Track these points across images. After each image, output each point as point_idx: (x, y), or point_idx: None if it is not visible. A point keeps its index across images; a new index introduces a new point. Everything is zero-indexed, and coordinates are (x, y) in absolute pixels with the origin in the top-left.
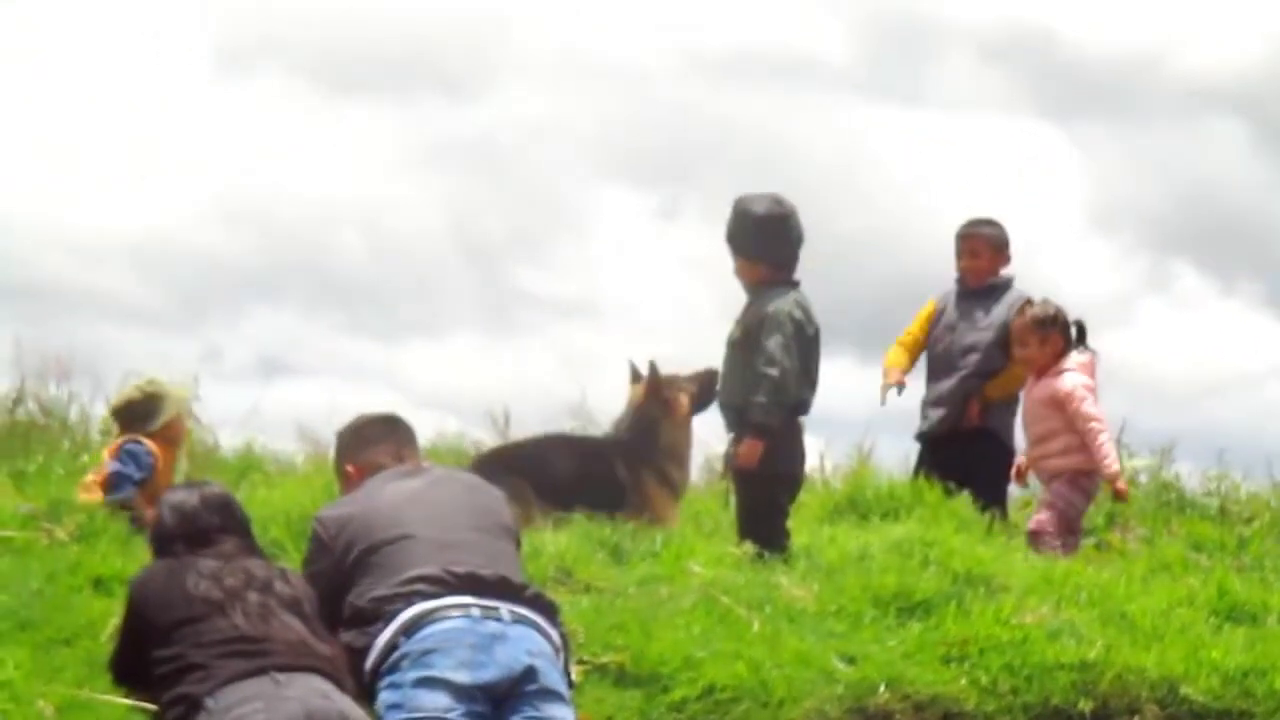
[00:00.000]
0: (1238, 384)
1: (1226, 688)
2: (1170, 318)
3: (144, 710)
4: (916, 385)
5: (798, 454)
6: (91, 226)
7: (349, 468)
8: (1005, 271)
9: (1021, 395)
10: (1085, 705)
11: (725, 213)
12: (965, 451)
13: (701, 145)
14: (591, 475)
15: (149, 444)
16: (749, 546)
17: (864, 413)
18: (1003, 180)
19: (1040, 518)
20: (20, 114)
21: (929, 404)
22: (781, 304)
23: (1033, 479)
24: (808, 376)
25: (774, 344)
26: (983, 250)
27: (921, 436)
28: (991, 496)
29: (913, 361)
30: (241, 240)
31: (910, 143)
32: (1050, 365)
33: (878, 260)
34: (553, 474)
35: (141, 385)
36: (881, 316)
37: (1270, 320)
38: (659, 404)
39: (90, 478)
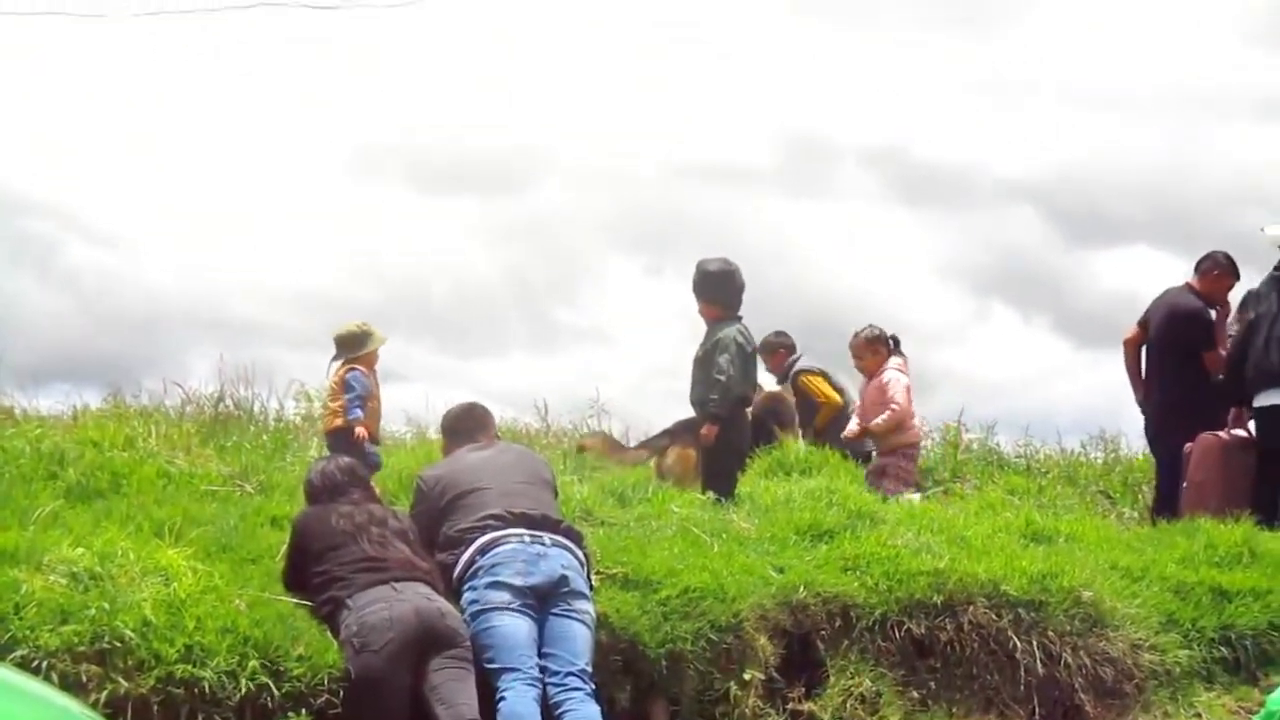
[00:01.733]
0: (1035, 382)
1: (1031, 586)
2: (990, 340)
3: (305, 606)
4: None
5: (744, 434)
6: (268, 280)
7: (444, 443)
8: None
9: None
10: (937, 599)
11: (691, 271)
12: None
13: (676, 225)
14: None
15: (361, 369)
16: (710, 495)
17: None
18: (876, 248)
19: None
20: (215, 195)
21: None
22: (729, 332)
23: None
24: (748, 380)
25: (724, 360)
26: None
27: None
28: None
29: None
30: (367, 289)
31: (815, 225)
32: (878, 369)
33: (795, 304)
34: None
35: (358, 323)
36: (799, 338)
37: (1056, 340)
38: None
39: (333, 405)
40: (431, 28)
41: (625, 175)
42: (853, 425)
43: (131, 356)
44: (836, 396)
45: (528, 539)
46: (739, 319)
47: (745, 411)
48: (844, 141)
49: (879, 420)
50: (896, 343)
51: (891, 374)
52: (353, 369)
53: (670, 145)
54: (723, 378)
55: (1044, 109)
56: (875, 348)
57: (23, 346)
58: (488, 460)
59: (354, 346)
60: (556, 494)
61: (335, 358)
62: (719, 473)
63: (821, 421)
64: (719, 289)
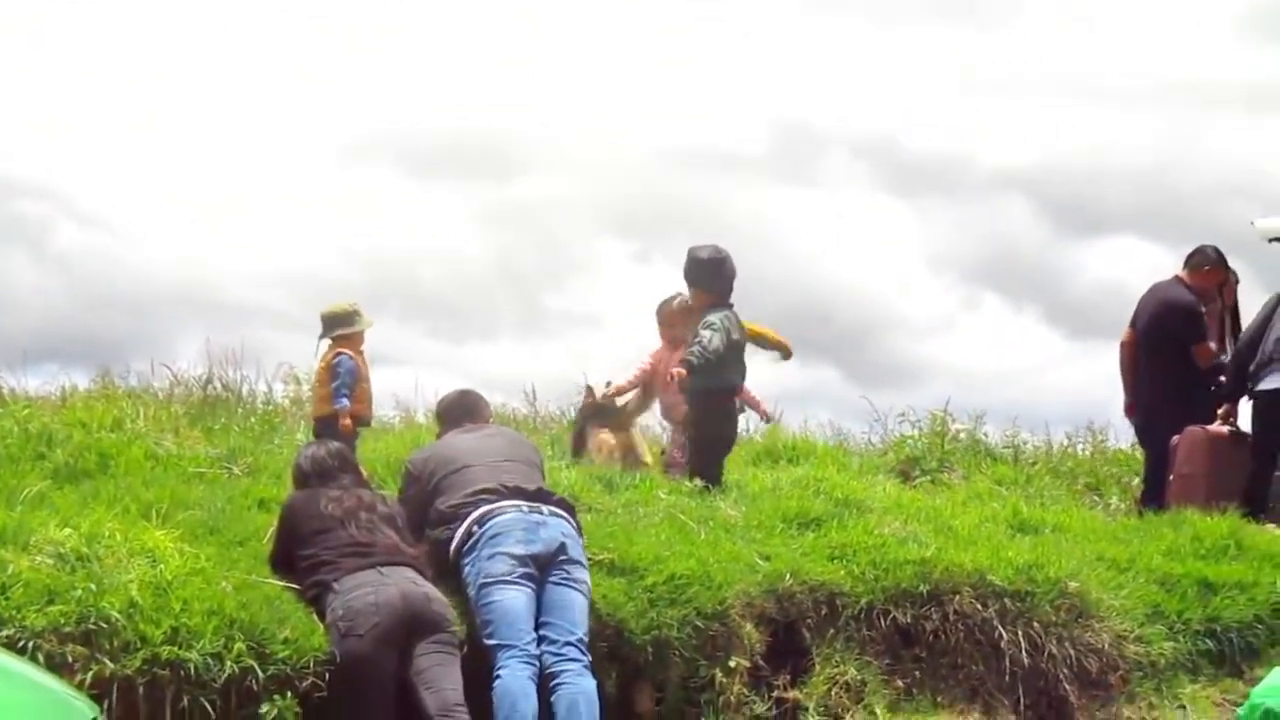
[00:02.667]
0: (1025, 373)
1: (1017, 575)
2: (980, 330)
3: (292, 589)
4: None
5: (731, 423)
6: (258, 263)
7: (439, 426)
8: None
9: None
10: (924, 588)
11: (681, 258)
12: None
13: (665, 212)
14: None
15: (349, 353)
16: (698, 482)
17: (778, 392)
18: (866, 237)
19: (674, 453)
20: (207, 177)
21: None
22: (715, 316)
23: None
24: (736, 367)
25: (706, 332)
26: None
27: None
28: None
29: None
30: (357, 273)
31: (805, 213)
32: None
33: (786, 290)
34: None
35: (347, 302)
36: (786, 330)
37: (1046, 331)
38: None
39: (320, 391)
40: (423, 12)
41: (615, 161)
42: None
43: (121, 338)
44: None
45: (526, 508)
46: (729, 306)
47: (733, 400)
48: (834, 130)
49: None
50: None
51: None
52: (340, 353)
53: (661, 131)
54: (704, 336)
55: (1034, 100)
56: (688, 319)
57: (12, 326)
58: (476, 441)
59: (343, 324)
60: (544, 475)
61: (322, 336)
62: (708, 461)
63: None
64: (710, 276)
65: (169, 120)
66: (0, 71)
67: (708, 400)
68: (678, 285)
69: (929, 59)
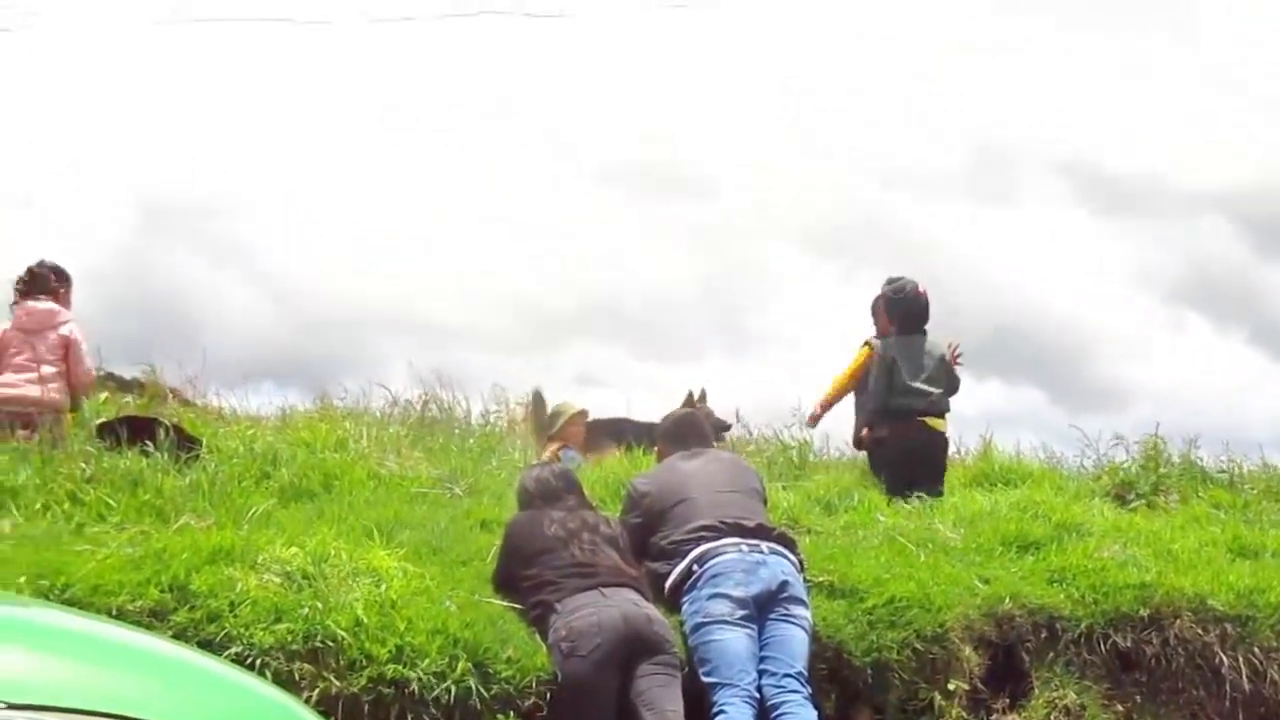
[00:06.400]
0: (1231, 395)
1: (1238, 600)
2: (1184, 351)
3: (515, 609)
4: None
5: (900, 441)
6: (464, 282)
7: (658, 448)
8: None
9: None
10: (1143, 612)
11: (883, 278)
12: None
13: (868, 232)
14: None
15: (570, 445)
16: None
17: (983, 412)
18: (1066, 257)
19: None
20: (414, 199)
21: None
22: (877, 350)
23: None
24: (892, 391)
25: (870, 377)
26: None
27: None
28: None
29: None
30: (562, 296)
31: (1003, 233)
32: None
33: (987, 309)
34: None
35: (560, 403)
36: (990, 347)
37: (1253, 353)
38: None
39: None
40: (636, 37)
41: (818, 182)
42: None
43: (330, 358)
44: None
45: (745, 548)
46: (905, 333)
47: (903, 421)
48: (1032, 150)
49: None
50: None
51: None
52: (566, 447)
53: (863, 151)
54: (870, 389)
55: (1234, 118)
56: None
57: (226, 346)
58: (698, 469)
59: (549, 426)
60: (766, 502)
61: (543, 434)
62: (888, 474)
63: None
64: (890, 309)
65: (380, 143)
66: (214, 96)
67: (883, 422)
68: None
69: (1126, 77)
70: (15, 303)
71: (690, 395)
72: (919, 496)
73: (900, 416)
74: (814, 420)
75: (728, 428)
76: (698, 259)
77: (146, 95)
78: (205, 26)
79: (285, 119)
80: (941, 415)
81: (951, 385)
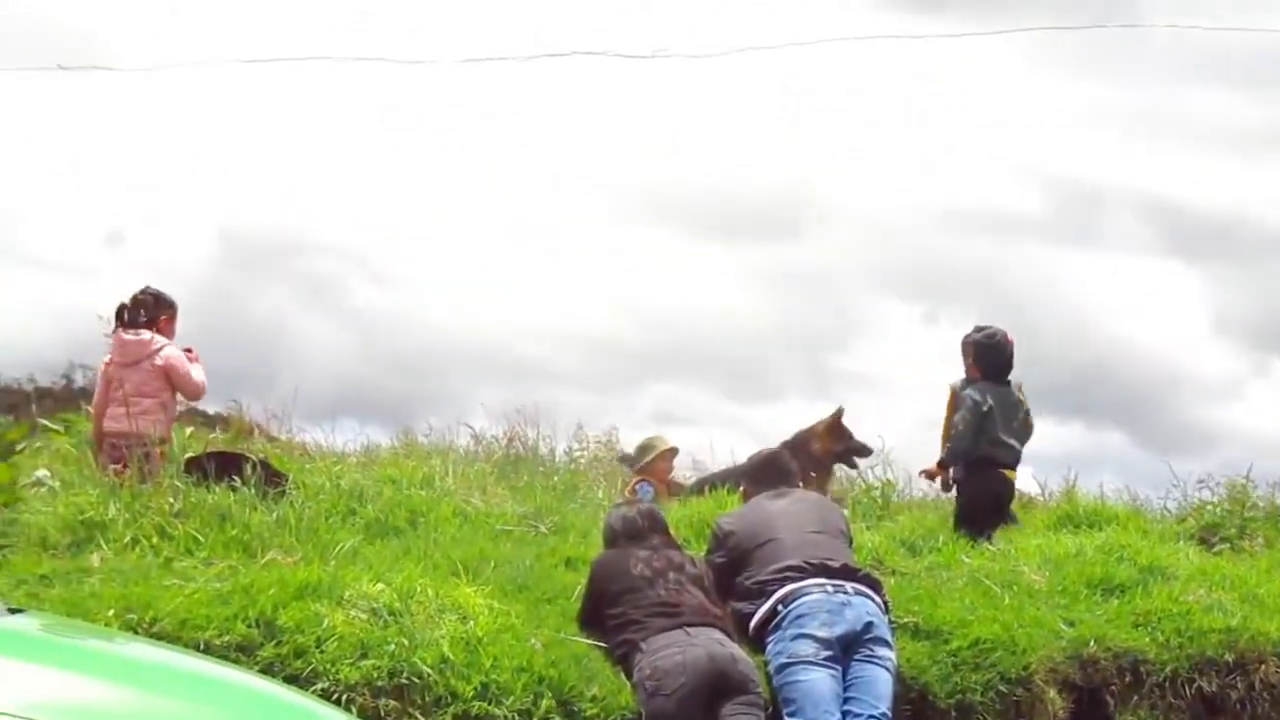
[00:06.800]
0: None
1: None
2: (1271, 395)
3: (600, 648)
4: None
5: (987, 488)
6: (546, 320)
7: (743, 488)
8: None
9: None
10: (1229, 656)
11: (966, 320)
12: None
13: (949, 273)
14: None
15: (650, 480)
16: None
17: (1065, 454)
18: (1149, 299)
19: None
20: (494, 237)
21: None
22: (969, 391)
23: None
24: (982, 437)
25: (957, 417)
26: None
27: None
28: None
29: None
30: (636, 332)
31: (1088, 273)
32: None
33: (1069, 352)
34: None
35: (653, 436)
36: (1072, 389)
37: None
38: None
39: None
40: (720, 77)
41: (899, 221)
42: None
43: (413, 394)
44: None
45: (830, 589)
46: (992, 379)
47: (995, 470)
48: (1115, 190)
49: None
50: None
51: None
52: (643, 480)
53: (943, 191)
54: (953, 430)
55: None
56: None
57: (311, 381)
58: (783, 510)
59: (631, 459)
60: (851, 542)
61: (622, 461)
62: (963, 518)
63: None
64: (978, 356)
65: (459, 181)
66: (294, 135)
67: (971, 472)
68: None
69: (1209, 118)
70: (113, 332)
71: (840, 411)
72: (988, 537)
73: (984, 465)
74: (932, 476)
75: (869, 452)
76: (778, 299)
77: (233, 132)
78: (296, 65)
79: (370, 157)
80: (1015, 467)
81: (1026, 438)
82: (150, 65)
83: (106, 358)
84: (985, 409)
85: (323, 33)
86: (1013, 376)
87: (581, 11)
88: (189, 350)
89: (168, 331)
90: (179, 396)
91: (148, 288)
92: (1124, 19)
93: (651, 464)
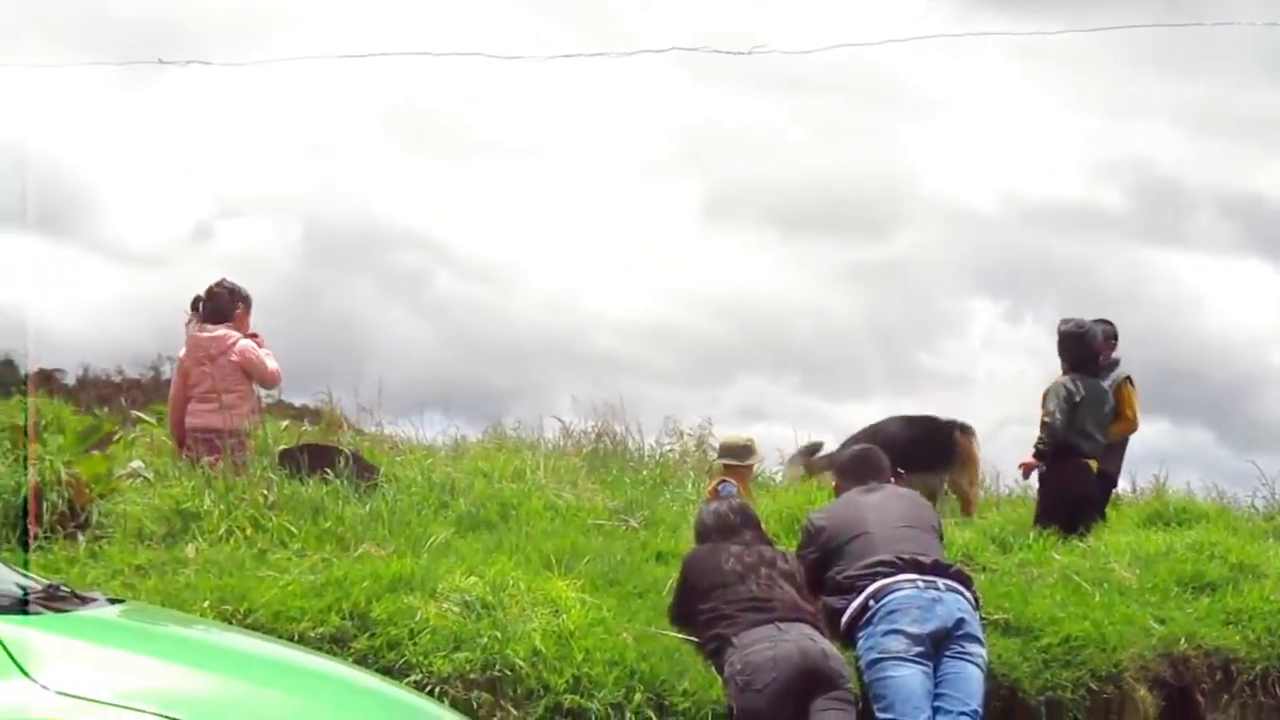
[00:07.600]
0: None
1: None
2: None
3: (691, 642)
4: None
5: (1076, 479)
6: (632, 314)
7: (835, 483)
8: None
9: None
10: None
11: (1050, 317)
12: None
13: (1035, 270)
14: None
15: (734, 482)
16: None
17: (1152, 451)
18: (1234, 297)
19: None
20: (581, 230)
21: None
22: (1062, 380)
23: None
24: (1072, 428)
25: (1051, 404)
26: None
27: None
28: None
29: None
30: (722, 326)
31: (1174, 270)
32: None
33: (1155, 349)
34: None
35: (746, 437)
36: (1157, 387)
37: None
38: None
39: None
40: (815, 74)
41: (985, 219)
42: None
43: (497, 387)
44: (1137, 421)
45: (921, 584)
46: (1085, 370)
47: (1078, 460)
48: (1200, 188)
49: None
50: None
51: None
52: (725, 481)
53: (1029, 189)
54: (1048, 419)
55: None
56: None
57: (395, 374)
58: (875, 505)
59: (732, 455)
60: (942, 538)
61: (719, 456)
62: (1047, 510)
63: (1115, 435)
64: (1066, 347)
65: (538, 173)
66: (375, 127)
67: (1055, 462)
68: (1045, 344)
69: None
70: (189, 323)
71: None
72: (1081, 530)
73: (1068, 454)
74: (1030, 468)
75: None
76: (866, 296)
77: (319, 125)
78: (390, 60)
79: (456, 150)
80: (1097, 458)
81: (1105, 431)
82: (245, 60)
83: (182, 353)
84: (1078, 399)
85: (416, 27)
86: (1117, 371)
87: (679, 7)
88: (255, 336)
89: (243, 325)
90: (256, 388)
91: (223, 280)
92: (1217, 18)
93: (749, 466)
